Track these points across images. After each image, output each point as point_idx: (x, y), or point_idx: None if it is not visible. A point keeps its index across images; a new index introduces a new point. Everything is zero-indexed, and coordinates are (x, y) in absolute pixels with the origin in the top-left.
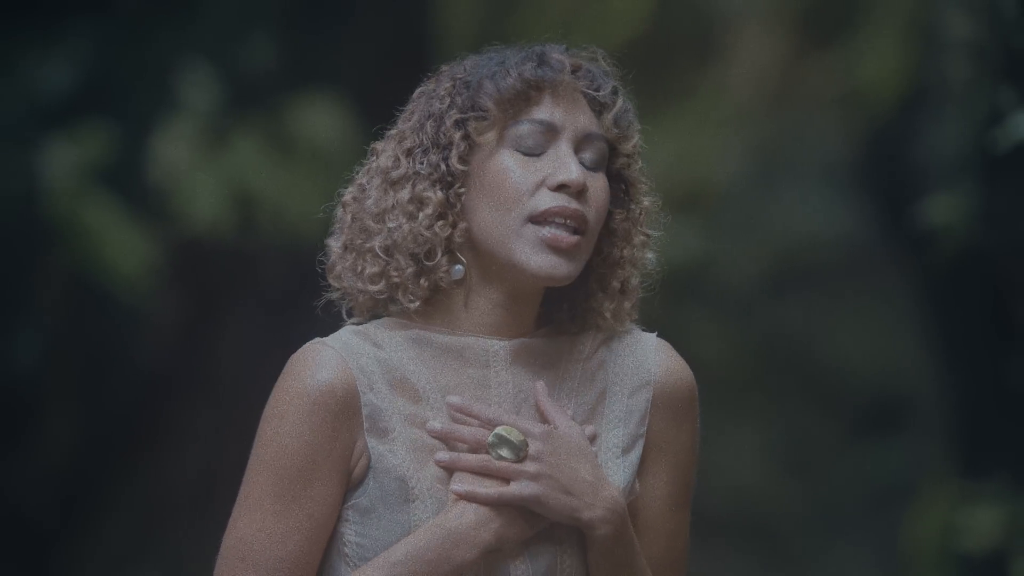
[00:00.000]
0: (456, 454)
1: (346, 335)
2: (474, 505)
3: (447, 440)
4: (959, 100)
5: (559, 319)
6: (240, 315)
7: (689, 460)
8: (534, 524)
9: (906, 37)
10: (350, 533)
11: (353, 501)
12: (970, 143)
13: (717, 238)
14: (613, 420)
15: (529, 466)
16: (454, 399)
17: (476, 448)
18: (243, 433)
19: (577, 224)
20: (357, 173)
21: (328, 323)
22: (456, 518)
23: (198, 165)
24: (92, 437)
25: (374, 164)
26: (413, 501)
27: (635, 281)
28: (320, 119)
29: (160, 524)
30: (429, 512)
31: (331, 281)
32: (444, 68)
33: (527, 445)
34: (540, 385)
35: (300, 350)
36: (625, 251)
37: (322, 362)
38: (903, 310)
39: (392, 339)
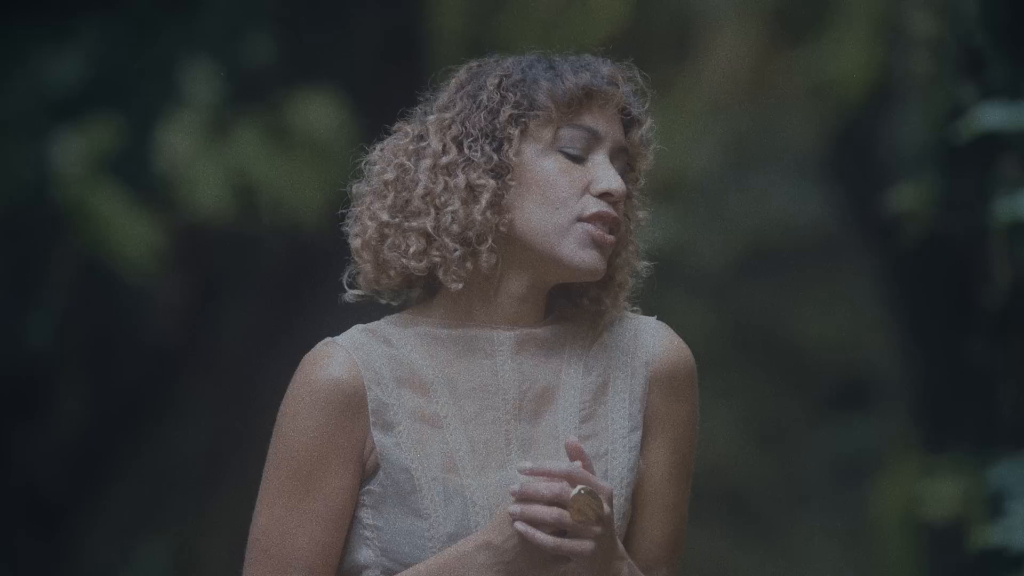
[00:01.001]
0: (530, 506)
1: (355, 333)
2: (492, 535)
3: (522, 499)
4: (922, 95)
5: (561, 310)
6: (241, 296)
7: (688, 436)
8: (549, 571)
9: (873, 35)
10: (367, 517)
11: (368, 488)
12: (933, 135)
13: (693, 224)
14: (618, 402)
15: (597, 527)
16: (526, 464)
17: (556, 502)
18: (245, 408)
19: (613, 228)
20: (379, 148)
21: (329, 303)
22: (474, 545)
23: (201, 155)
24: (101, 412)
25: (411, 146)
26: (419, 491)
27: (628, 283)
28: (317, 113)
29: (165, 495)
30: (435, 500)
31: (362, 253)
32: (474, 65)
33: (600, 504)
34: (572, 441)
35: (311, 352)
36: (623, 255)
37: (330, 360)
38: (869, 292)
39: (402, 336)
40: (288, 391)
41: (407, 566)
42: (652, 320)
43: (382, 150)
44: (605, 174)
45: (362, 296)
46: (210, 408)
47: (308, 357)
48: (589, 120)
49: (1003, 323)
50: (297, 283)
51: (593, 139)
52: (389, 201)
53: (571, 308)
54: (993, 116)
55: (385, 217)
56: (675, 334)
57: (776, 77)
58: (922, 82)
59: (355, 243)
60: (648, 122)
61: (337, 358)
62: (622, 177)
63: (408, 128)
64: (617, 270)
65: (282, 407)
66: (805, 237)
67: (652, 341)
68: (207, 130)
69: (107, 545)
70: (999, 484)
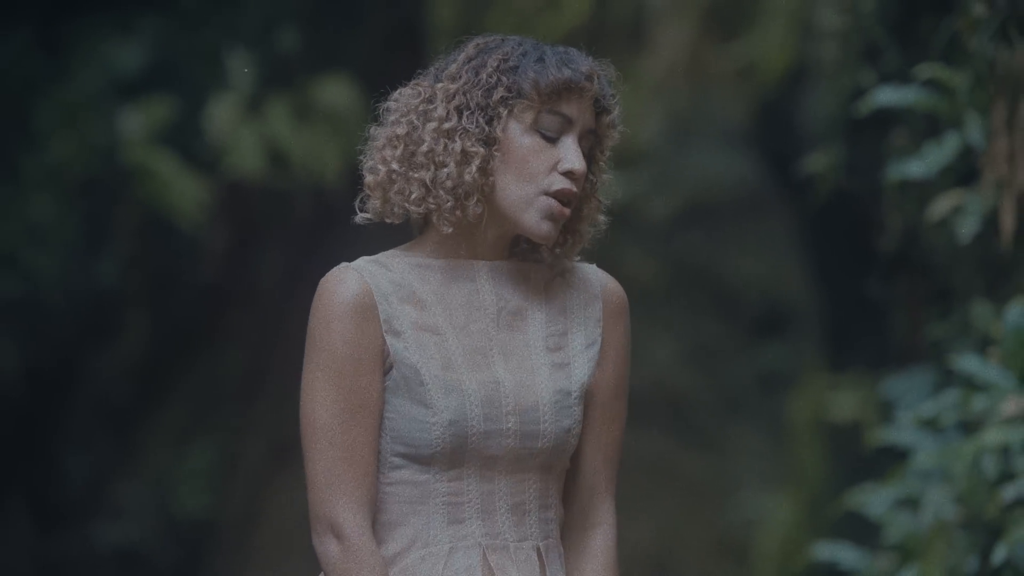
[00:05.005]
0: None
1: (362, 262)
2: None
3: None
4: (830, 78)
5: (520, 249)
6: (274, 241)
7: (625, 356)
8: None
9: (789, 28)
10: (383, 409)
11: (385, 384)
12: (838, 111)
13: (641, 184)
14: (577, 325)
15: None
16: None
17: None
18: (278, 334)
19: (570, 202)
20: (395, 102)
21: (347, 247)
22: None
23: (241, 127)
24: (160, 338)
25: (423, 108)
26: (425, 385)
27: (587, 235)
28: (335, 93)
29: (212, 405)
30: (437, 392)
31: (374, 191)
32: (480, 42)
33: None
34: None
35: (329, 274)
36: (584, 211)
37: (347, 280)
38: (786, 240)
39: (399, 264)
40: (314, 309)
41: (414, 447)
42: (593, 266)
43: (397, 100)
44: (571, 155)
45: (369, 220)
46: (249, 334)
47: (328, 279)
48: (565, 108)
49: (895, 265)
50: (320, 231)
51: (567, 124)
52: (399, 152)
53: (533, 253)
54: (887, 96)
55: (394, 166)
56: (611, 275)
57: (710, 63)
58: (830, 67)
59: (368, 179)
60: (616, 110)
61: (352, 278)
62: (590, 151)
63: (421, 88)
64: (579, 222)
65: (313, 323)
66: (734, 194)
67: (597, 281)
68: (245, 107)
69: (164, 444)
70: (889, 395)
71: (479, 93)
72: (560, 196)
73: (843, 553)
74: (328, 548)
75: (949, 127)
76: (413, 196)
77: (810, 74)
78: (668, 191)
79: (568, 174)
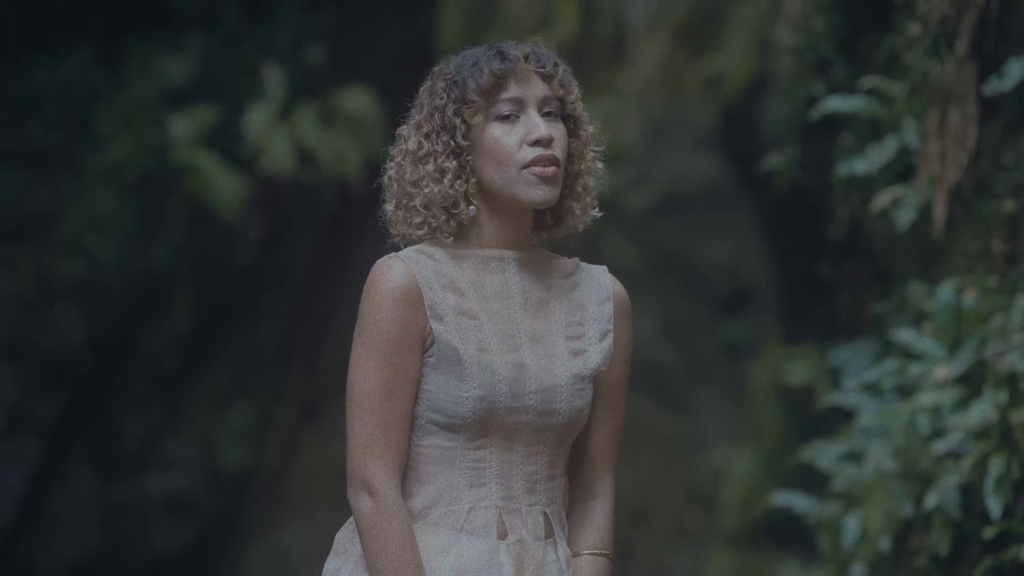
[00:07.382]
0: None
1: (408, 252)
2: None
3: None
4: (786, 87)
5: (545, 225)
6: (303, 229)
7: (629, 352)
8: None
9: (751, 45)
10: (421, 382)
11: (425, 359)
12: (793, 116)
13: (623, 179)
14: (591, 320)
15: None
16: None
17: None
18: (307, 310)
19: (552, 163)
20: (392, 150)
21: (365, 234)
22: None
23: (274, 131)
24: (205, 313)
25: (404, 147)
26: (463, 363)
27: (592, 184)
28: (356, 101)
29: (250, 373)
30: (473, 370)
31: (391, 230)
32: (435, 69)
33: None
34: None
35: (380, 263)
36: (582, 165)
37: (396, 270)
38: (749, 228)
39: (441, 254)
40: (366, 294)
41: (447, 417)
42: (603, 268)
43: (390, 152)
44: (533, 126)
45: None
46: (281, 310)
47: (379, 267)
48: (509, 92)
49: (842, 250)
50: (343, 220)
51: (519, 103)
52: (394, 191)
53: (552, 223)
54: (835, 103)
55: (391, 206)
56: (616, 279)
57: (682, 74)
58: (785, 79)
59: (387, 221)
60: (560, 70)
61: (400, 268)
62: (561, 113)
63: (400, 131)
64: (580, 176)
65: (364, 306)
66: (703, 188)
67: (608, 283)
68: (278, 113)
69: (208, 406)
70: (837, 363)
71: (437, 116)
72: (538, 163)
73: (796, 500)
74: (361, 502)
75: (889, 131)
76: (415, 222)
77: (769, 84)
78: (645, 186)
79: (537, 143)
